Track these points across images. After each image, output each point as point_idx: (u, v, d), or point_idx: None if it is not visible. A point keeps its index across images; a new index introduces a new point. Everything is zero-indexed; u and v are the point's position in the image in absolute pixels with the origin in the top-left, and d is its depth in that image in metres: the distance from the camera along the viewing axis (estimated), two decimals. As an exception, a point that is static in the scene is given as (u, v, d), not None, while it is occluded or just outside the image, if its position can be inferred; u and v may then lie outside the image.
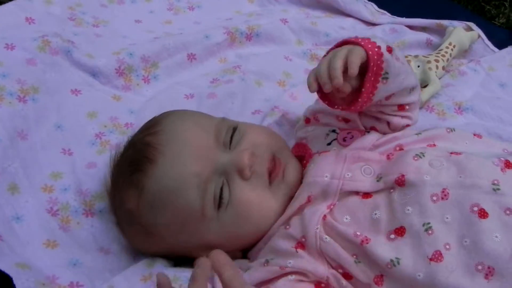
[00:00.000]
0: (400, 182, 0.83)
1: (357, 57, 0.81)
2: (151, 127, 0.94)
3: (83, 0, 1.45)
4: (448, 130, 0.94)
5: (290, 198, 0.90)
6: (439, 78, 1.31)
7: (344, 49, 0.83)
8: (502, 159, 0.85)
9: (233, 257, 0.87)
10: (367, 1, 1.61)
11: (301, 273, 0.82)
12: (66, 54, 1.20)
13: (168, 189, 0.87)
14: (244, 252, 0.93)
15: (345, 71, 0.80)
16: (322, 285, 0.82)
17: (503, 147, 0.92)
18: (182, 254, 0.93)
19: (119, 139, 1.08)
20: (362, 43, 0.84)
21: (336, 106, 0.90)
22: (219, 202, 0.86)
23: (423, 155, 0.86)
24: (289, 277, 0.82)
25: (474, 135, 0.95)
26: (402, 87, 0.92)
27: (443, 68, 1.33)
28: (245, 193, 0.87)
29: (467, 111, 1.22)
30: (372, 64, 0.83)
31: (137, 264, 0.92)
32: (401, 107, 0.96)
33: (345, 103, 0.88)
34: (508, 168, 0.84)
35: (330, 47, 0.97)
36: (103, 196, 1.00)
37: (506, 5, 1.80)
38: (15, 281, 0.80)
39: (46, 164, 1.04)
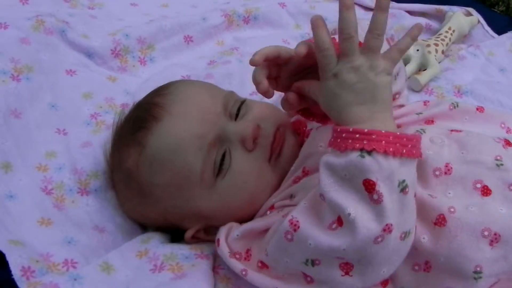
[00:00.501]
0: None
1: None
2: (159, 90, 0.94)
3: (78, -18, 1.43)
4: (451, 107, 0.92)
5: (286, 173, 0.88)
6: (439, 62, 1.30)
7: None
8: (502, 138, 0.84)
9: None
10: (367, -13, 1.60)
11: None
12: (61, 34, 1.18)
13: (169, 148, 0.85)
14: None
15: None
16: None
17: (501, 120, 0.91)
18: (172, 223, 0.91)
19: (115, 119, 1.06)
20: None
21: (311, 118, 0.87)
22: (219, 169, 0.84)
23: (424, 131, 0.84)
24: None
25: (477, 109, 0.92)
26: None
27: (443, 52, 1.32)
28: (245, 163, 0.85)
29: (466, 94, 1.22)
30: None
31: (132, 241, 0.90)
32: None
33: (319, 116, 0.86)
34: (509, 146, 0.83)
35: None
36: (99, 175, 0.99)
37: (506, -7, 1.80)
38: (8, 258, 0.79)
39: (40, 143, 1.02)
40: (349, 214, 0.66)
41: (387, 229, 0.66)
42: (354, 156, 0.67)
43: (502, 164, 0.79)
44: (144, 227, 0.97)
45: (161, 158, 0.85)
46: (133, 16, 1.38)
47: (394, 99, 0.92)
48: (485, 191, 0.77)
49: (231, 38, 1.36)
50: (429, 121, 0.90)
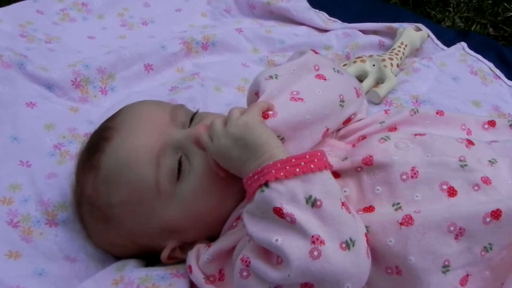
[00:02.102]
0: (368, 162, 0.83)
1: None
2: (112, 115, 0.94)
3: (34, 18, 1.44)
4: (412, 113, 0.95)
5: None
6: (395, 75, 1.34)
7: None
8: (464, 138, 0.87)
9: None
10: (318, 11, 1.64)
11: None
12: (20, 67, 1.18)
13: (120, 164, 0.84)
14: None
15: None
16: None
17: (462, 122, 0.94)
18: (143, 246, 0.89)
19: (78, 149, 1.05)
20: None
21: None
22: (178, 174, 0.83)
23: (388, 138, 0.87)
24: None
25: (437, 113, 0.96)
26: (322, 119, 0.88)
27: (397, 65, 1.37)
28: (204, 163, 0.83)
29: (424, 103, 1.25)
30: None
31: (107, 269, 0.89)
32: (345, 121, 0.95)
33: None
34: (472, 145, 0.86)
35: (285, 53, 0.97)
36: (66, 206, 0.98)
37: (451, 9, 1.87)
38: (-23, 292, 0.77)
39: (3, 176, 1.01)
40: (277, 240, 0.68)
41: (316, 240, 0.67)
42: (257, 194, 0.70)
43: (466, 165, 0.81)
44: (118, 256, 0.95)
45: (114, 175, 0.85)
46: (91, 48, 1.38)
47: (349, 119, 0.94)
48: (452, 192, 0.79)
49: (190, 65, 1.38)
50: (392, 128, 0.93)
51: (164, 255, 0.87)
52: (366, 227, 0.77)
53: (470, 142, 0.86)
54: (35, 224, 0.95)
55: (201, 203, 0.84)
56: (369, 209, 0.81)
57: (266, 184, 0.70)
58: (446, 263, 0.75)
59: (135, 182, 0.83)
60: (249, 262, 0.72)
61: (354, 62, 1.35)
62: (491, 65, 1.43)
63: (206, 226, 0.86)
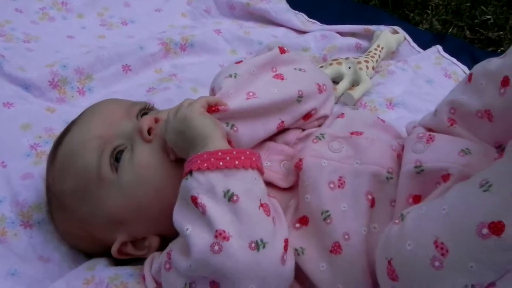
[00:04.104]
0: (298, 166, 0.82)
1: None
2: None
3: (12, 17, 1.44)
4: (352, 108, 0.97)
5: None
6: (370, 78, 1.36)
7: None
8: (400, 146, 0.86)
9: (149, 246, 0.87)
10: (298, 12, 1.66)
11: None
12: (-3, 67, 1.18)
13: (71, 151, 0.87)
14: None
15: None
16: None
17: (398, 136, 0.93)
18: (98, 238, 0.89)
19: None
20: None
21: None
22: (117, 163, 0.84)
23: (323, 137, 0.86)
24: None
25: (378, 118, 0.96)
26: (276, 112, 0.90)
27: (373, 68, 1.39)
28: (144, 154, 0.84)
29: (398, 106, 1.28)
30: None
31: (78, 268, 0.89)
32: (306, 116, 0.94)
33: None
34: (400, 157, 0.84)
35: (265, 47, 0.99)
36: (41, 207, 0.98)
37: (429, 12, 1.90)
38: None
39: (-22, 177, 1.01)
40: (187, 229, 0.70)
41: (219, 235, 0.68)
42: (182, 181, 0.73)
43: (392, 178, 0.81)
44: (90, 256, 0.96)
45: (65, 164, 0.87)
46: (70, 48, 1.39)
47: (310, 115, 0.94)
48: (372, 202, 0.79)
49: (168, 66, 1.39)
50: (341, 115, 0.94)
51: (114, 248, 0.86)
52: (302, 249, 0.78)
53: (399, 155, 0.85)
54: (9, 225, 0.95)
55: (140, 193, 0.84)
56: (304, 220, 0.80)
57: (190, 172, 0.72)
58: None
59: (81, 169, 0.85)
60: (171, 254, 0.74)
61: (331, 64, 1.37)
62: (465, 68, 1.46)
63: (151, 220, 0.86)
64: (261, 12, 1.61)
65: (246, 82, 0.90)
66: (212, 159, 0.72)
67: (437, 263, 0.62)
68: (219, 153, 0.73)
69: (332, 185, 0.80)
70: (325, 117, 0.97)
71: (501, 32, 1.81)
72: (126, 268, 0.87)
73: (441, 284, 0.63)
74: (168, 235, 0.84)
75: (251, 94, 0.87)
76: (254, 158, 0.74)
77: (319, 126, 0.96)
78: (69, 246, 0.96)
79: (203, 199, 0.70)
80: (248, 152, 0.74)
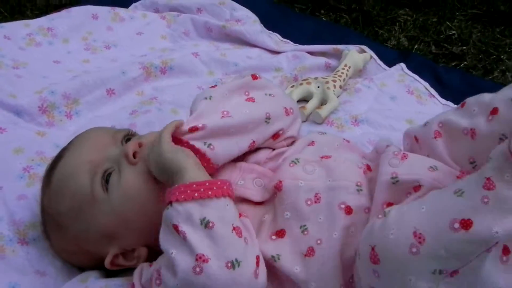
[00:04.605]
0: (278, 187, 0.93)
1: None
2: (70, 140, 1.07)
3: (1, 43, 1.52)
4: (321, 133, 1.08)
5: None
6: (338, 96, 1.46)
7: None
8: (364, 163, 0.98)
9: (138, 257, 0.97)
10: (272, 32, 1.76)
11: None
12: (-11, 94, 1.27)
13: (65, 175, 0.97)
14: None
15: None
16: None
17: (363, 155, 1.04)
18: (92, 252, 0.98)
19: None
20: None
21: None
22: (107, 184, 0.94)
23: (298, 161, 0.97)
24: None
25: (344, 139, 1.08)
26: (247, 132, 0.99)
27: (340, 87, 1.49)
28: (130, 175, 0.94)
29: (362, 122, 1.38)
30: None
31: (71, 281, 0.98)
32: (274, 136, 1.04)
33: None
34: (369, 171, 0.97)
35: (239, 74, 1.10)
36: (36, 226, 1.06)
37: (396, 28, 2.01)
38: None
39: (-23, 199, 1.09)
40: (172, 253, 0.80)
41: (199, 258, 0.78)
42: (164, 211, 0.83)
43: (361, 190, 0.92)
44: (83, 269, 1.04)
45: (60, 186, 0.97)
46: (57, 73, 1.47)
47: (278, 135, 1.04)
48: (348, 210, 0.90)
49: (150, 88, 1.48)
50: (312, 143, 1.04)
51: (107, 260, 0.96)
52: (278, 255, 0.89)
53: (368, 168, 0.97)
54: (8, 243, 1.03)
55: (128, 209, 0.94)
56: (281, 233, 0.91)
57: (170, 203, 0.82)
58: (342, 287, 0.88)
59: (76, 190, 0.95)
60: (160, 271, 0.84)
61: (301, 84, 1.47)
62: (426, 84, 1.55)
63: (138, 232, 0.96)
64: (237, 33, 1.70)
65: (220, 103, 1.01)
66: (188, 191, 0.82)
67: (414, 250, 0.74)
68: (194, 185, 0.83)
69: (309, 202, 0.91)
70: (292, 137, 1.08)
71: (464, 47, 1.92)
72: (115, 279, 0.97)
73: (416, 267, 0.75)
74: (154, 246, 0.93)
75: (225, 113, 0.98)
76: (225, 187, 0.85)
77: (288, 145, 1.07)
78: (63, 261, 1.04)
79: (183, 227, 0.80)
80: (219, 182, 0.84)
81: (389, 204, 0.86)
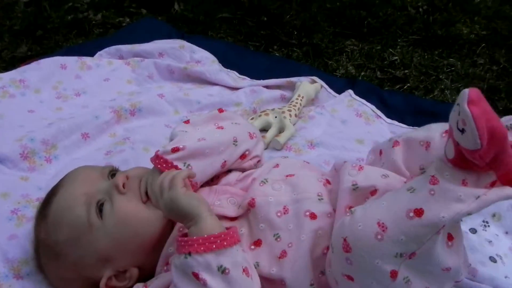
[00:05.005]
0: (252, 204, 1.08)
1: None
2: (60, 179, 1.18)
3: (-23, 98, 1.61)
4: (283, 157, 1.24)
5: (166, 220, 1.10)
6: (294, 124, 1.61)
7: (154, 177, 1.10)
8: (324, 178, 1.15)
9: (130, 277, 1.08)
10: (229, 70, 1.89)
11: None
12: (-29, 146, 1.36)
13: (63, 208, 1.09)
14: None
15: None
16: None
17: (322, 173, 1.20)
18: (89, 277, 1.09)
19: (33, 212, 1.25)
20: (159, 166, 1.11)
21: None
22: (101, 211, 1.07)
23: (267, 181, 1.13)
24: None
25: (304, 161, 1.26)
26: (219, 153, 1.16)
27: (296, 115, 1.63)
28: (122, 203, 1.08)
29: (318, 145, 1.52)
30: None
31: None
32: (242, 157, 1.21)
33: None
34: (329, 184, 1.13)
35: (202, 112, 1.26)
36: (28, 261, 1.17)
37: (344, 58, 2.17)
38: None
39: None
40: None
41: None
42: (182, 258, 0.94)
43: (322, 199, 1.09)
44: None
45: (59, 218, 1.09)
46: (33, 122, 1.57)
47: (245, 155, 1.21)
48: (312, 216, 1.06)
49: (121, 130, 1.59)
50: (276, 165, 1.20)
51: (102, 283, 1.08)
52: (257, 263, 1.03)
53: (328, 182, 1.14)
54: (4, 279, 1.13)
55: (121, 233, 1.07)
56: (258, 243, 1.06)
57: (189, 253, 0.94)
58: (312, 282, 1.03)
59: (73, 220, 1.07)
60: None
61: (260, 115, 1.61)
62: (373, 107, 1.71)
63: (131, 254, 1.08)
64: (197, 74, 1.83)
65: (195, 132, 1.18)
66: (206, 243, 0.93)
67: (379, 236, 0.88)
68: (212, 238, 0.94)
69: (279, 214, 1.06)
70: (257, 157, 1.25)
71: (407, 71, 2.09)
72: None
73: (381, 252, 0.89)
74: (144, 266, 1.09)
75: (200, 138, 1.15)
76: (235, 235, 0.98)
77: (255, 166, 1.24)
78: (56, 292, 1.14)
79: (203, 275, 0.92)
80: (231, 232, 0.97)
81: (351, 207, 0.99)
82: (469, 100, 0.81)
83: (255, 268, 1.02)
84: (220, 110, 1.26)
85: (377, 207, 0.93)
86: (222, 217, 1.08)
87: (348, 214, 0.96)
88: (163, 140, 1.52)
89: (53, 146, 1.48)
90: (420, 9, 2.50)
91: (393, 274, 0.89)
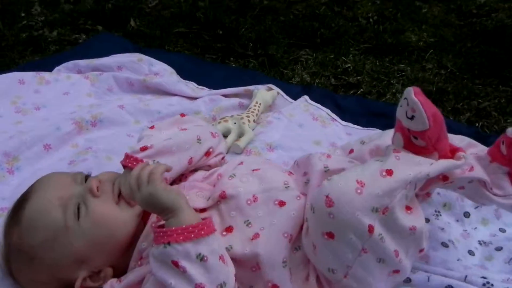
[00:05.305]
0: (223, 196, 1.15)
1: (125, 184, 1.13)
2: (29, 186, 1.20)
3: None
4: (259, 153, 1.34)
5: (138, 219, 1.15)
6: (252, 129, 1.66)
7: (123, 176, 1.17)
8: (287, 170, 1.24)
9: (105, 277, 1.11)
10: (188, 81, 1.93)
11: None
12: None
13: (37, 211, 1.11)
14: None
15: None
16: None
17: (283, 168, 1.29)
18: (64, 279, 1.11)
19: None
20: (129, 164, 1.18)
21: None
22: (78, 213, 1.10)
23: (235, 175, 1.19)
24: None
25: (266, 159, 1.36)
26: (185, 150, 1.23)
27: (254, 121, 1.68)
28: (96, 205, 1.12)
29: (277, 148, 1.57)
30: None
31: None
32: (207, 153, 1.30)
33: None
34: (292, 174, 1.22)
35: (163, 120, 1.32)
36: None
37: (299, 67, 2.24)
38: None
39: None
40: (171, 283, 0.97)
41: (198, 286, 0.96)
42: (161, 248, 0.99)
43: (288, 186, 1.16)
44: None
45: (34, 221, 1.10)
46: (-8, 135, 1.56)
47: (209, 153, 1.29)
48: (281, 203, 1.13)
49: (83, 140, 1.60)
50: (240, 163, 1.26)
51: (77, 284, 1.11)
52: (230, 246, 1.08)
53: (290, 173, 1.23)
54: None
55: (97, 234, 1.10)
56: (229, 229, 1.11)
57: (168, 243, 0.98)
58: (285, 259, 1.08)
59: (49, 223, 1.10)
60: None
61: (219, 122, 1.65)
62: (328, 111, 1.78)
63: (106, 254, 1.12)
64: (156, 85, 1.86)
65: (161, 134, 1.25)
66: (185, 233, 0.98)
67: (359, 191, 0.99)
68: (190, 228, 0.99)
69: (249, 202, 1.13)
70: (221, 153, 1.32)
71: (359, 77, 2.17)
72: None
73: (360, 204, 0.98)
74: (118, 265, 1.13)
75: (166, 139, 1.22)
76: (211, 225, 1.03)
77: (220, 163, 1.31)
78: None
79: (182, 262, 0.96)
80: (208, 222, 1.02)
81: None
82: (415, 93, 0.98)
83: (228, 250, 1.06)
84: (182, 115, 1.34)
85: (353, 171, 1.05)
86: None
87: (327, 179, 1.04)
88: (126, 149, 1.49)
89: (15, 158, 1.49)
90: (371, 20, 2.59)
91: (371, 229, 0.98)
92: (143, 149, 1.19)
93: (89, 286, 1.12)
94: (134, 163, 1.16)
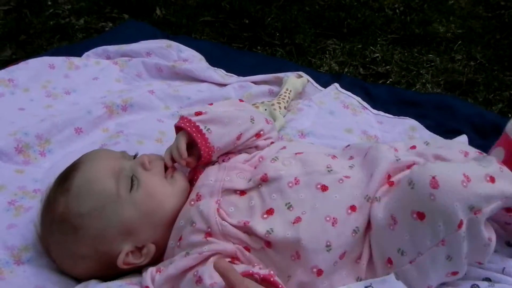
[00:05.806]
0: (264, 179, 1.14)
1: (182, 142, 1.20)
2: (74, 161, 1.20)
3: (-31, 96, 1.61)
4: (290, 139, 1.30)
5: (183, 195, 1.17)
6: (284, 116, 1.64)
7: (177, 138, 1.22)
8: (331, 153, 1.21)
9: (147, 253, 1.12)
10: (217, 68, 1.92)
11: (216, 254, 1.07)
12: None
13: (88, 180, 1.12)
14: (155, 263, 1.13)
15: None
16: (234, 259, 1.07)
17: (329, 152, 1.26)
18: (106, 253, 1.11)
19: (30, 202, 1.27)
20: (182, 125, 1.21)
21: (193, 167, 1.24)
22: (131, 185, 1.12)
23: (277, 158, 1.18)
24: (210, 259, 1.06)
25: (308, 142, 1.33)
26: (237, 125, 1.24)
27: (285, 108, 1.67)
28: (148, 178, 1.15)
29: (308, 135, 1.56)
30: (193, 134, 1.20)
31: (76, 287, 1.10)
32: (257, 135, 1.28)
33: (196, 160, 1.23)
34: (336, 158, 1.20)
35: (193, 107, 1.31)
36: (29, 248, 1.18)
37: (327, 56, 2.23)
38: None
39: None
40: None
41: None
42: None
43: (331, 170, 1.14)
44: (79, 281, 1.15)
45: (84, 190, 1.11)
46: (23, 119, 1.57)
47: (259, 135, 1.28)
48: (323, 188, 1.11)
49: (114, 125, 1.60)
50: (283, 147, 1.26)
51: (121, 257, 1.10)
52: (271, 229, 1.07)
53: (334, 157, 1.21)
54: (4, 265, 1.13)
55: (146, 205, 1.12)
56: (270, 211, 1.10)
57: None
58: (328, 243, 1.05)
59: (101, 191, 1.11)
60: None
61: (250, 108, 1.64)
62: (359, 99, 1.75)
63: (153, 228, 1.13)
64: (186, 71, 1.86)
65: (219, 106, 1.29)
66: None
67: (464, 184, 0.99)
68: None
69: (290, 184, 1.12)
70: (271, 138, 1.31)
71: (388, 66, 2.16)
72: (115, 281, 1.10)
73: (462, 196, 0.98)
74: (160, 243, 1.13)
75: (221, 110, 1.26)
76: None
77: (268, 146, 1.29)
78: (58, 275, 1.15)
79: None
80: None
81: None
82: None
83: (269, 234, 1.06)
84: (241, 100, 1.38)
85: (458, 164, 1.07)
86: (232, 191, 1.14)
87: (423, 163, 1.09)
88: (157, 133, 1.55)
89: (46, 141, 1.49)
90: (397, 10, 2.57)
91: (460, 224, 0.98)
92: (198, 113, 1.22)
93: (130, 263, 1.12)
94: (187, 124, 1.20)
